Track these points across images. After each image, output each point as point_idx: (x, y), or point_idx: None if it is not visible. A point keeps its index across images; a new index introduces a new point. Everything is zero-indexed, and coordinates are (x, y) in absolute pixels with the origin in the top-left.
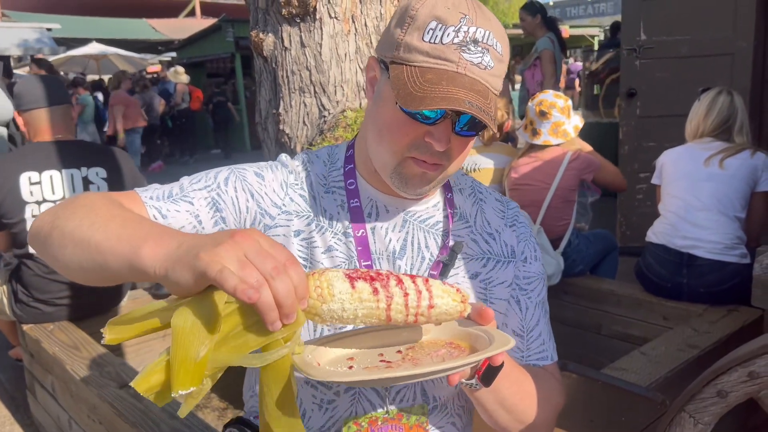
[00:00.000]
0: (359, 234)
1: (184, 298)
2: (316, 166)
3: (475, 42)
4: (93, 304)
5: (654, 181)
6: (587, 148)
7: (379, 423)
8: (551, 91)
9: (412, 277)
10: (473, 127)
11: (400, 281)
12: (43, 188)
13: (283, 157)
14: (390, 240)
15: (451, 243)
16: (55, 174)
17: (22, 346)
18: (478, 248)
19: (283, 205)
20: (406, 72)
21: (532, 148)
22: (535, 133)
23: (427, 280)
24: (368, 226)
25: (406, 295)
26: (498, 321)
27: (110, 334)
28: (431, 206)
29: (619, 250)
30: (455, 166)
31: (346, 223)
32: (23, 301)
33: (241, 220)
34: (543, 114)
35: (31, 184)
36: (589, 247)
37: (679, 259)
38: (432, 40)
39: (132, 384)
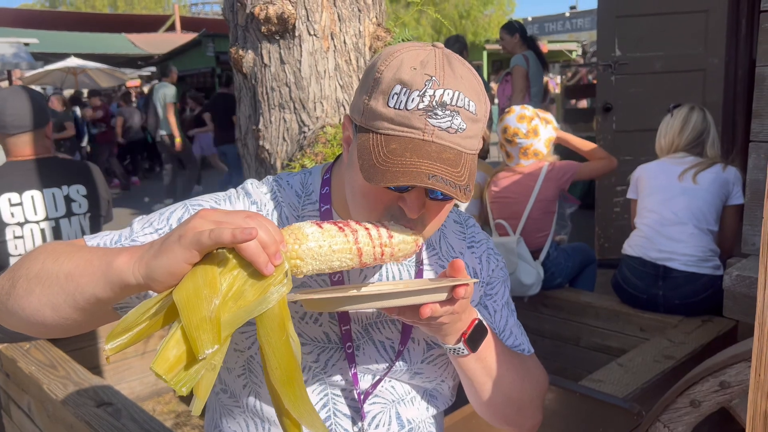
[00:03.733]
0: (335, 276)
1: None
2: (287, 194)
3: (443, 105)
4: None
5: (629, 195)
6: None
7: None
8: (515, 113)
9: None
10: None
11: (357, 222)
12: (24, 209)
13: (248, 184)
14: (365, 276)
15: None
16: (36, 194)
17: None
18: None
19: None
20: (372, 140)
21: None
22: (508, 155)
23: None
24: None
25: (367, 229)
26: None
27: (110, 346)
28: None
29: (597, 263)
30: (432, 229)
31: None
32: None
33: None
34: (509, 142)
35: (12, 205)
36: (567, 260)
37: (654, 271)
38: (397, 106)
39: (151, 367)
